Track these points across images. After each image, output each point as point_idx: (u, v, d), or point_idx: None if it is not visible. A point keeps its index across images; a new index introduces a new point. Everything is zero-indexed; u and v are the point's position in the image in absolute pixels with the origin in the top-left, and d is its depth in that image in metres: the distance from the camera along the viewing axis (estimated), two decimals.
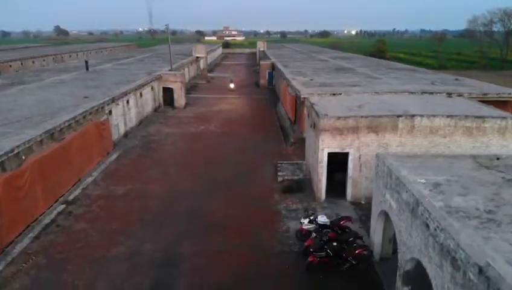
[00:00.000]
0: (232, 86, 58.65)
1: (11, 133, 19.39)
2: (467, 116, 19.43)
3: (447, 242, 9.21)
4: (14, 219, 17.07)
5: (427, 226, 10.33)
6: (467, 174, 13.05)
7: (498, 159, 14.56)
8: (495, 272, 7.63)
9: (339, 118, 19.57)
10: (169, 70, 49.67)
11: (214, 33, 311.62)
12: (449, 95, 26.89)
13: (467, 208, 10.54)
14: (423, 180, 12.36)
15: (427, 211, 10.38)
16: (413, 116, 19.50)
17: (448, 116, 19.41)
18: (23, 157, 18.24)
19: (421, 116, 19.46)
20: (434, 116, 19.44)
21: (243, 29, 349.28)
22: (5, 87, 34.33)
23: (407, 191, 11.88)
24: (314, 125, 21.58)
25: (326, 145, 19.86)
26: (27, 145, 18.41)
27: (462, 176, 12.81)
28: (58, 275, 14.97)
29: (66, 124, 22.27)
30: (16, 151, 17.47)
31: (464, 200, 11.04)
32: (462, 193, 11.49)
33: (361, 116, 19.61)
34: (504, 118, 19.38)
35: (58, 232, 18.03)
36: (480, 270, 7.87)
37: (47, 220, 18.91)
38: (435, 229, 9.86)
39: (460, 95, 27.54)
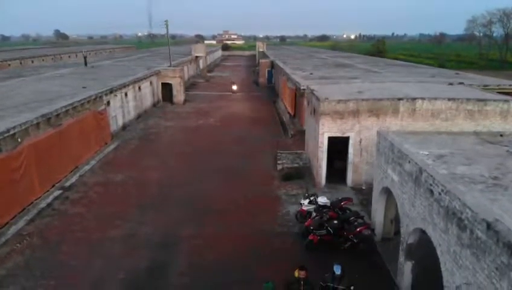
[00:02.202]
0: (234, 87, 54.07)
1: (7, 117, 19.14)
2: (468, 99, 19.21)
3: (452, 204, 8.93)
4: (9, 201, 16.76)
5: (431, 192, 10.05)
6: (470, 148, 12.80)
7: (501, 135, 14.33)
8: (504, 226, 7.35)
9: (339, 101, 19.32)
10: (169, 66, 49.50)
11: (214, 37, 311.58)
12: (450, 84, 26.67)
13: (472, 175, 10.28)
14: (426, 152, 12.10)
15: (431, 176, 10.10)
16: (414, 99, 19.27)
17: (449, 100, 19.18)
18: (19, 140, 17.96)
19: (422, 99, 19.23)
20: (435, 99, 19.21)
21: (243, 34, 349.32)
22: (3, 79, 34.11)
23: (409, 162, 11.61)
24: (314, 111, 21.33)
25: (327, 130, 19.60)
26: (23, 128, 18.16)
27: (466, 150, 12.56)
28: (53, 255, 14.65)
29: (63, 109, 22.02)
30: (11, 133, 17.20)
31: (468, 168, 10.78)
32: (466, 163, 11.23)
33: (362, 100, 19.37)
34: (506, 101, 19.15)
35: (54, 216, 17.72)
36: (489, 226, 7.58)
37: (43, 204, 18.60)
38: (439, 194, 9.58)
39: (461, 83, 27.33)
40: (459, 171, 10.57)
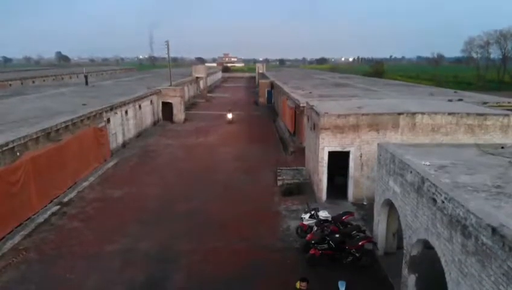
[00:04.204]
0: (230, 116, 46.26)
1: (6, 131, 19.11)
2: (468, 114, 19.25)
3: (456, 211, 8.79)
4: (6, 215, 16.55)
5: (434, 201, 9.92)
6: (472, 159, 12.72)
7: (503, 147, 14.27)
8: (510, 231, 7.20)
9: (339, 115, 19.34)
10: (169, 86, 49.85)
11: (214, 60, 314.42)
12: (449, 100, 26.78)
13: (475, 184, 10.16)
14: (428, 163, 12.01)
15: (434, 185, 9.98)
16: (414, 113, 19.31)
17: (449, 114, 19.23)
18: (18, 154, 17.88)
19: (422, 113, 19.28)
20: (435, 113, 19.25)
21: (243, 57, 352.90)
22: (4, 97, 34.28)
23: (411, 172, 11.50)
24: (314, 126, 21.33)
25: (327, 144, 19.54)
26: (22, 141, 18.10)
27: (468, 160, 12.47)
28: (49, 269, 14.38)
29: (63, 125, 22.01)
30: (10, 146, 17.12)
31: (470, 178, 10.67)
32: (468, 173, 11.13)
33: (362, 114, 19.40)
34: (506, 115, 19.19)
35: (51, 231, 17.49)
36: (494, 231, 7.43)
37: (40, 219, 18.38)
38: (443, 202, 9.44)
39: (460, 100, 27.46)
40: (462, 180, 10.45)
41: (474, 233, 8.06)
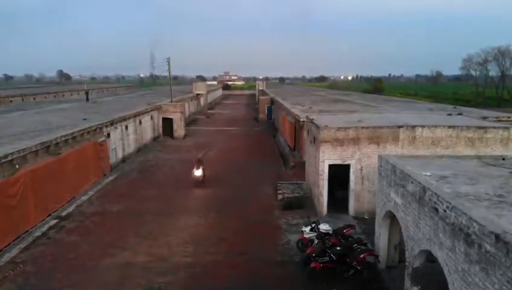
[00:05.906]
0: (198, 173, 26.47)
1: (6, 144, 19.08)
2: (468, 127, 19.26)
3: (459, 220, 8.69)
4: (4, 228, 16.40)
5: (436, 210, 9.82)
6: (473, 169, 12.68)
7: (504, 159, 14.23)
8: None
9: (339, 128, 19.35)
10: (170, 102, 50.06)
11: (215, 78, 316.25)
12: (449, 114, 26.85)
13: (476, 193, 10.11)
14: (429, 173, 11.95)
15: (435, 194, 9.91)
16: (414, 126, 19.31)
17: (449, 127, 19.24)
18: (17, 167, 17.81)
19: (422, 126, 19.28)
20: (435, 126, 19.26)
21: (243, 76, 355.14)
22: (5, 112, 34.39)
23: (412, 182, 11.43)
24: (314, 140, 21.32)
25: (327, 157, 19.49)
26: (21, 154, 18.04)
27: (469, 171, 12.43)
28: (46, 282, 14.16)
29: (63, 139, 21.99)
30: (9, 158, 17.06)
31: (472, 188, 10.63)
32: (469, 183, 11.08)
33: (362, 127, 19.41)
34: (506, 128, 19.19)
35: (48, 244, 17.29)
36: (497, 238, 7.34)
37: (38, 233, 18.21)
38: (445, 211, 9.36)
39: (460, 114, 27.52)
40: (463, 190, 10.40)
41: (477, 241, 7.96)
